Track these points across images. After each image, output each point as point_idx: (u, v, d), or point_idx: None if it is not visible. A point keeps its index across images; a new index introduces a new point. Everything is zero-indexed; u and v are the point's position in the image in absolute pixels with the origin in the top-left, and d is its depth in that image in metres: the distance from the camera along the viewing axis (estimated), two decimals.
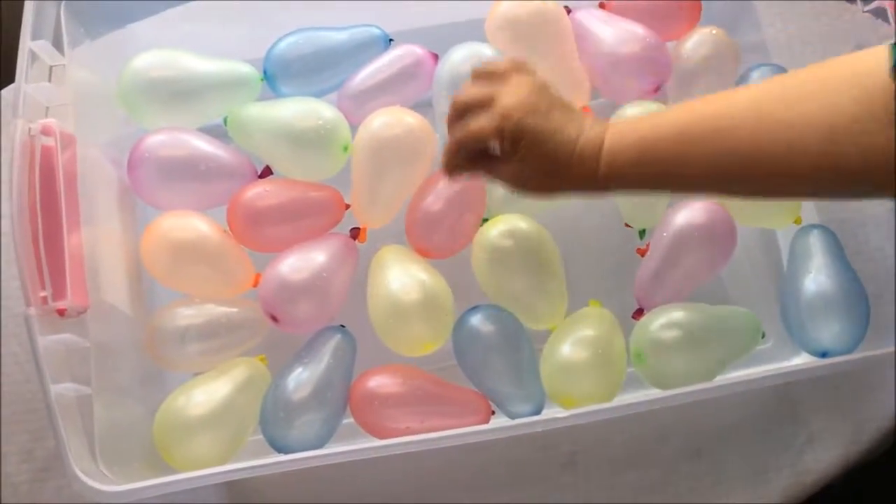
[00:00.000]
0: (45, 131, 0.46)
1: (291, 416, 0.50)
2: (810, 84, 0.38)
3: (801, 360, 0.58)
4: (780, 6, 0.62)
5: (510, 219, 0.55)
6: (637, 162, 0.41)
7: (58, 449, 0.43)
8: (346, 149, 0.55)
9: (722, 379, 0.52)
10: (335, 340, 0.53)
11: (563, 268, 0.55)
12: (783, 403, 0.60)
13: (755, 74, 0.58)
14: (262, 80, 0.58)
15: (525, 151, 0.43)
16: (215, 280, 0.54)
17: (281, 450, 0.50)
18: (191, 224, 0.54)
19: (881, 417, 0.59)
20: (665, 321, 0.52)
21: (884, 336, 0.55)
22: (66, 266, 0.44)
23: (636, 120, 0.45)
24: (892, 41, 0.36)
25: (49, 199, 0.45)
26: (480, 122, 0.43)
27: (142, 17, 0.54)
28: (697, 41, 0.58)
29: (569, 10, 0.60)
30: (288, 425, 0.50)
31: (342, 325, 0.55)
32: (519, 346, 0.53)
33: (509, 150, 0.43)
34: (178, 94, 0.55)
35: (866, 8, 0.55)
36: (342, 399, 0.52)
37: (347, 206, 0.56)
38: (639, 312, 0.55)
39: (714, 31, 0.58)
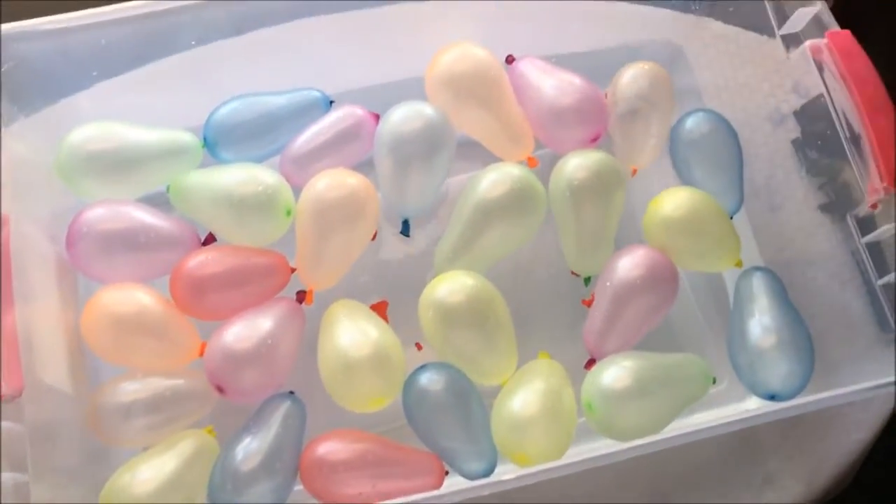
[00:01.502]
0: None
1: (240, 487, 0.49)
2: None
3: (756, 400, 0.58)
4: (710, 51, 0.63)
5: (457, 276, 0.54)
6: None
7: None
8: (288, 213, 0.55)
9: (673, 429, 0.52)
10: (284, 408, 0.53)
11: (511, 324, 0.55)
12: (742, 443, 0.60)
13: (690, 121, 0.59)
14: (203, 147, 0.58)
15: None
16: (159, 352, 0.53)
17: None
18: (132, 297, 0.53)
19: (838, 454, 0.59)
20: (612, 371, 0.52)
21: (833, 374, 0.55)
22: None
23: None
24: None
25: None
26: None
27: (77, 90, 0.54)
28: (632, 75, 0.59)
29: (512, 59, 0.61)
30: (237, 497, 0.49)
31: (291, 392, 0.54)
32: (469, 404, 0.53)
33: None
34: (117, 165, 0.55)
35: (790, 54, 0.56)
36: (292, 467, 0.51)
37: (293, 270, 0.56)
38: (591, 362, 0.55)
39: (646, 66, 0.59)
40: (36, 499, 0.45)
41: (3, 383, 0.44)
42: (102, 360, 0.54)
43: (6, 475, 0.44)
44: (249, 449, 0.50)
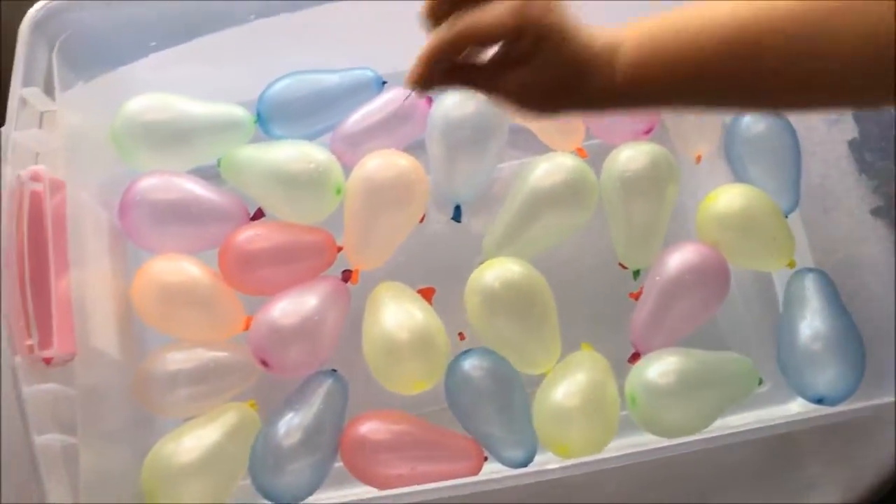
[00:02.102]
0: (35, 177, 0.46)
1: (281, 462, 0.50)
2: None
3: (800, 403, 0.57)
4: None
5: (504, 263, 0.54)
6: (672, 65, 0.33)
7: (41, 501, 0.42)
8: (338, 191, 0.55)
9: (716, 429, 0.51)
10: (327, 385, 0.53)
11: (556, 313, 0.54)
12: (781, 447, 0.59)
13: (747, 118, 0.58)
14: (255, 122, 0.58)
15: (546, 55, 0.34)
16: (206, 324, 0.54)
17: (270, 497, 0.50)
18: (181, 268, 0.53)
19: (879, 463, 0.58)
20: (659, 366, 0.51)
21: (882, 379, 0.54)
22: (52, 314, 0.44)
23: (667, 19, 0.35)
24: None
25: (37, 245, 0.45)
26: (497, 13, 0.33)
27: (134, 59, 0.54)
28: None
29: None
30: (277, 472, 0.50)
31: (334, 370, 0.54)
32: (511, 392, 0.52)
33: (527, 52, 0.34)
34: (171, 136, 0.55)
35: None
36: (333, 444, 0.52)
37: (340, 249, 0.56)
38: (635, 356, 0.55)
39: None
40: (83, 461, 0.46)
41: (56, 347, 0.44)
42: (151, 329, 0.54)
43: (54, 436, 0.44)
44: (292, 424, 0.51)
